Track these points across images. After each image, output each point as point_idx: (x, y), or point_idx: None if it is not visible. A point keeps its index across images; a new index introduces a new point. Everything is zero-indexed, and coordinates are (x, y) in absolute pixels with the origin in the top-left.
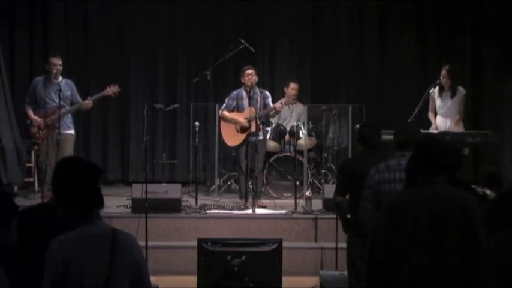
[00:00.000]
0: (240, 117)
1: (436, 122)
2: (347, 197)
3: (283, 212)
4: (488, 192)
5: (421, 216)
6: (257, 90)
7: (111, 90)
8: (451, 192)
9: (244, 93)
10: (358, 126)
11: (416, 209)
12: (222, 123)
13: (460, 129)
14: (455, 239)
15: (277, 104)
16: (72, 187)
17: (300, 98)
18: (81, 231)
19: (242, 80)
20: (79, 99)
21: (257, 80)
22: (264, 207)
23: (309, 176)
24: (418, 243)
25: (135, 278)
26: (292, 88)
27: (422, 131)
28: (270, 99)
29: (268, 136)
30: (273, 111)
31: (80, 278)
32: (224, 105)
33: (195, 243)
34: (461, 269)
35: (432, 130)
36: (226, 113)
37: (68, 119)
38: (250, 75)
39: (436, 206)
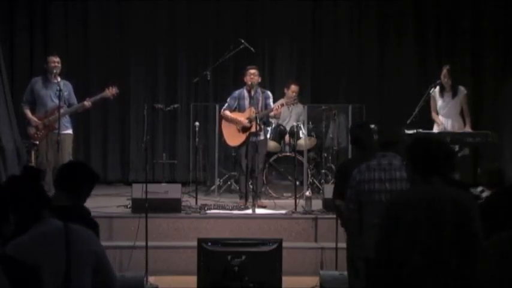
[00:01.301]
0: (241, 117)
1: (441, 121)
2: None
3: (283, 212)
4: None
5: (420, 215)
6: (258, 90)
7: (110, 91)
8: (448, 192)
9: (245, 93)
10: (349, 127)
11: (415, 208)
12: (223, 123)
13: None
14: (455, 238)
15: (275, 107)
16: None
17: (299, 99)
18: (33, 232)
19: (244, 79)
20: (75, 100)
21: (259, 81)
22: (264, 207)
23: (309, 176)
24: (417, 243)
25: (96, 267)
26: (292, 90)
27: (422, 131)
28: (271, 100)
29: (268, 136)
30: (272, 112)
31: None
32: (226, 104)
33: (195, 243)
34: (461, 268)
35: (440, 129)
36: (227, 112)
37: (66, 119)
38: (252, 75)
39: (435, 206)
